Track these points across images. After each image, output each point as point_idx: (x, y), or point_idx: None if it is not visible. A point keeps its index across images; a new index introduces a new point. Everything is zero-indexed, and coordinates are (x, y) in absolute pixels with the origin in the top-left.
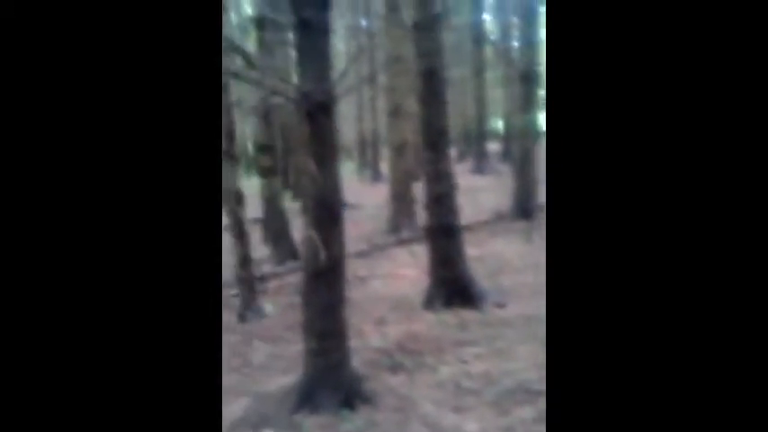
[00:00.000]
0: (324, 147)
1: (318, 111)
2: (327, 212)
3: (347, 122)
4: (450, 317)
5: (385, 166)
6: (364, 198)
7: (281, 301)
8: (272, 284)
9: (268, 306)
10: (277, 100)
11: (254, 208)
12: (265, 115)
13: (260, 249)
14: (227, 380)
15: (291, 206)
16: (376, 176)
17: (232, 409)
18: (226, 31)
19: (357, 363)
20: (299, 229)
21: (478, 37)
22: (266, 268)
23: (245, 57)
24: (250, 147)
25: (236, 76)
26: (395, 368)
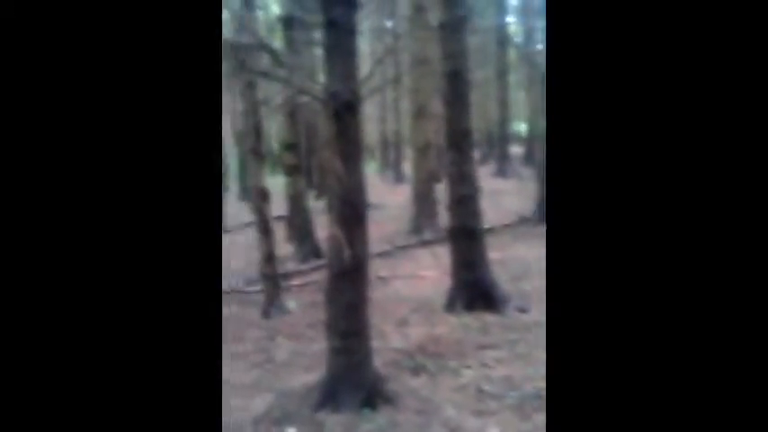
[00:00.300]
0: (349, 146)
1: (345, 110)
2: (352, 211)
3: (370, 123)
4: (472, 320)
5: (407, 167)
6: (386, 199)
7: (304, 299)
8: (295, 282)
9: (291, 303)
10: (303, 99)
11: (276, 206)
12: (291, 114)
13: (283, 247)
14: (251, 375)
15: (314, 205)
16: (398, 177)
17: (255, 405)
18: (255, 29)
19: (378, 363)
20: (322, 227)
21: (502, 39)
22: (290, 266)
23: (274, 55)
24: (274, 145)
25: (265, 74)
26: (416, 370)
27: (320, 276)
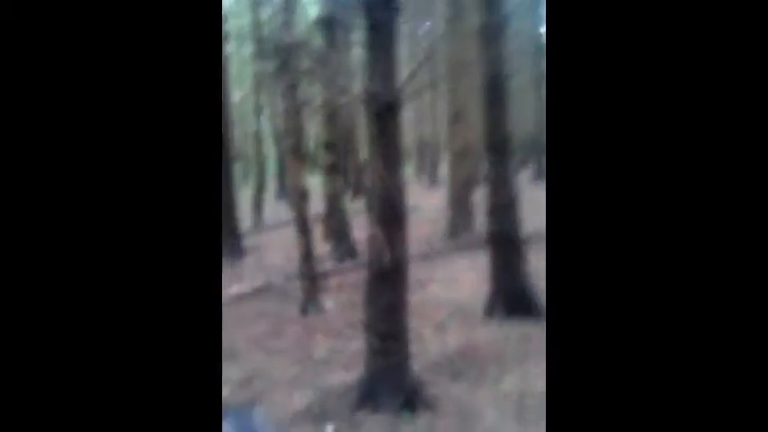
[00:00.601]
0: (390, 147)
1: (386, 111)
2: (392, 212)
3: (407, 126)
4: (512, 325)
5: (443, 171)
6: (422, 201)
7: (341, 298)
8: (333, 281)
9: (329, 302)
10: (343, 100)
11: (312, 204)
12: (331, 115)
13: (319, 246)
14: (291, 371)
15: (350, 206)
16: (433, 180)
17: (295, 401)
18: (295, 30)
19: (417, 367)
20: (358, 228)
21: (541, 41)
22: (327, 265)
23: (316, 56)
24: (311, 145)
25: (309, 74)
26: (455, 375)
27: (357, 276)
